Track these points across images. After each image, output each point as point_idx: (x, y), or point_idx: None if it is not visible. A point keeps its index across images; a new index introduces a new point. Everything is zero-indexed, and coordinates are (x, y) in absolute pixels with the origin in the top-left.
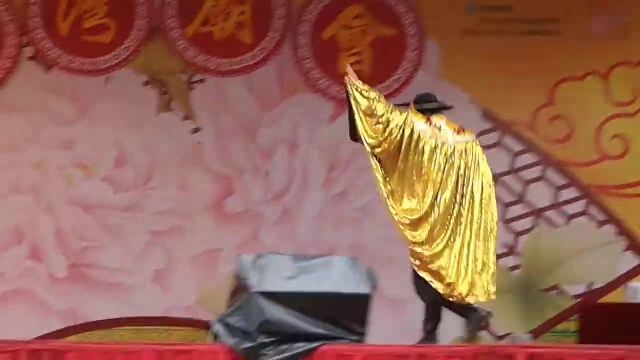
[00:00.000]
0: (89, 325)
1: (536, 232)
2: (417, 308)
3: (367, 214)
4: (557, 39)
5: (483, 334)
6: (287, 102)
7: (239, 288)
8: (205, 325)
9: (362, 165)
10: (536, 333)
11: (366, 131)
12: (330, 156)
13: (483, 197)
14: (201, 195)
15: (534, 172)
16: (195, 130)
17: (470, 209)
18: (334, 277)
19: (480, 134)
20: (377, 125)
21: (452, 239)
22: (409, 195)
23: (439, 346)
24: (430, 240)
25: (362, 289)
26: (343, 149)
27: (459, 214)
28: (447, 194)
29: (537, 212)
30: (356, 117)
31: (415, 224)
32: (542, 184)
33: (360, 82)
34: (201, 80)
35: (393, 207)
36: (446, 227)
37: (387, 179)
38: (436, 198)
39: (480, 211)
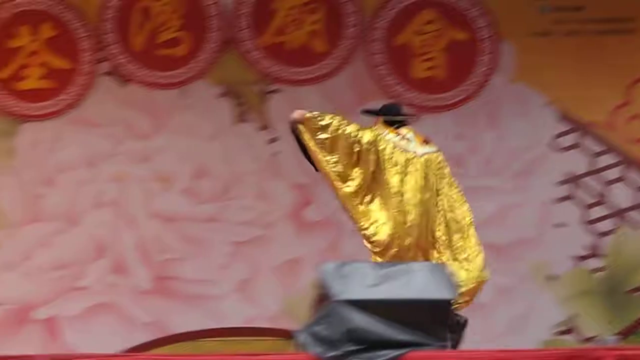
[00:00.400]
0: (175, 338)
1: (619, 233)
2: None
3: None
4: (633, 37)
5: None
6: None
7: (323, 297)
8: (290, 335)
9: None
10: (622, 335)
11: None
12: None
13: (454, 199)
14: (280, 205)
15: (615, 172)
16: (272, 140)
17: (444, 215)
18: (417, 284)
19: (559, 136)
20: (351, 148)
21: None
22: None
23: (527, 350)
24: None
25: (445, 294)
26: None
27: (435, 221)
28: (421, 205)
29: (619, 213)
30: (313, 152)
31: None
32: (623, 184)
33: (313, 113)
34: (276, 90)
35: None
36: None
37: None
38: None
39: (453, 212)
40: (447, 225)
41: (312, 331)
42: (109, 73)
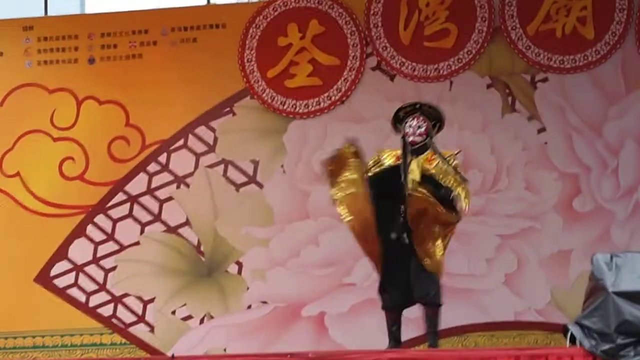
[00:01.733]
0: (443, 332)
1: None
2: None
3: None
4: None
5: None
6: (633, 96)
7: (595, 289)
8: (559, 328)
9: None
10: None
11: None
12: None
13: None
14: (550, 196)
15: None
16: (541, 130)
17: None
18: None
19: None
20: None
21: None
22: None
23: None
24: None
25: None
26: None
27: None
28: None
29: None
30: None
31: None
32: None
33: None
34: (544, 79)
35: None
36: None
37: None
38: None
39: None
40: None
41: (584, 324)
42: (376, 68)
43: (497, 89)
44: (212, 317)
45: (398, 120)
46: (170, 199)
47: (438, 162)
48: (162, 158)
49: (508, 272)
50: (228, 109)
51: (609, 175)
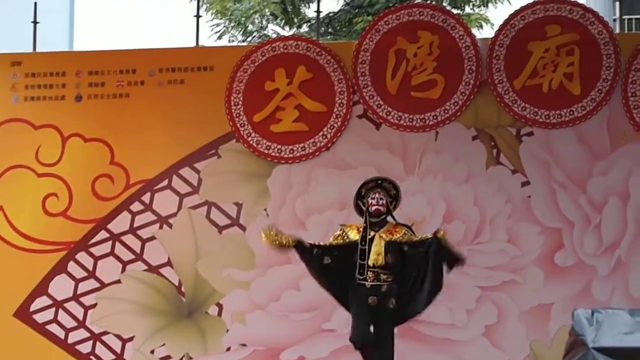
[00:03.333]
0: None
1: None
2: None
3: None
4: None
5: None
6: (617, 153)
7: (576, 344)
8: None
9: None
10: None
11: None
12: None
13: None
14: (532, 249)
15: None
16: (525, 184)
17: None
18: None
19: None
20: None
21: None
22: None
23: None
24: None
25: None
26: None
27: None
28: None
29: None
30: None
31: None
32: None
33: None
34: (530, 133)
35: None
36: None
37: None
38: None
39: None
40: None
41: None
42: (362, 115)
43: (483, 141)
44: (190, 358)
45: (360, 197)
46: (152, 238)
47: (404, 232)
48: (146, 197)
49: (488, 324)
50: (213, 151)
51: (591, 231)
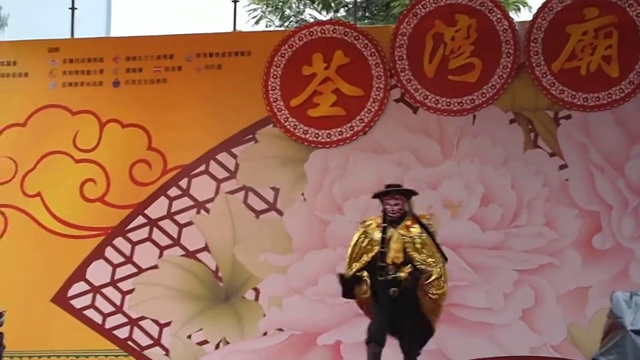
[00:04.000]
0: None
1: None
2: None
3: None
4: None
5: None
6: None
7: (614, 326)
8: None
9: None
10: None
11: None
12: None
13: None
14: (569, 232)
15: None
16: (563, 167)
17: None
18: None
19: None
20: None
21: None
22: None
23: None
24: None
25: None
26: None
27: None
28: None
29: None
30: None
31: None
32: None
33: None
34: (568, 116)
35: None
36: None
37: None
38: None
39: None
40: None
41: None
42: (399, 99)
43: (520, 125)
44: (227, 343)
45: (379, 195)
46: (190, 223)
47: (418, 231)
48: (183, 183)
49: (525, 307)
50: (250, 136)
51: (629, 214)
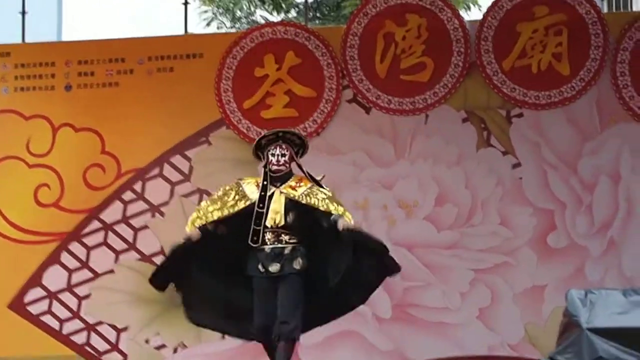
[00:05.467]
0: None
1: None
2: None
3: None
4: None
5: None
6: (607, 132)
7: (570, 325)
8: None
9: None
10: None
11: None
12: None
13: None
14: (524, 231)
15: None
16: (516, 165)
17: None
18: None
19: None
20: None
21: None
22: None
23: None
24: None
25: None
26: None
27: None
28: None
29: None
30: None
31: None
32: None
33: None
34: (520, 115)
35: None
36: None
37: None
38: None
39: None
40: None
41: None
42: (352, 100)
43: (473, 123)
44: (185, 347)
45: (260, 147)
46: (145, 227)
47: (309, 188)
48: (138, 186)
49: (482, 307)
50: (204, 138)
51: (583, 212)
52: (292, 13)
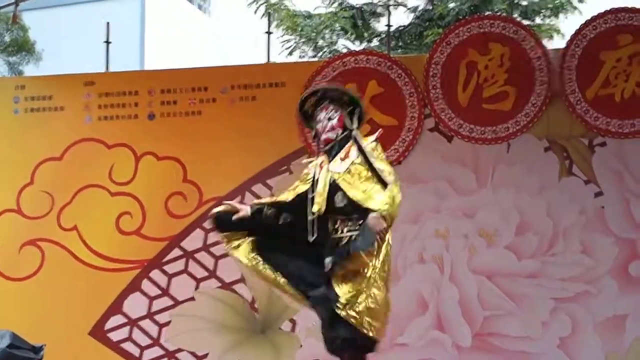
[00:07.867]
0: None
1: None
2: None
3: None
4: None
5: None
6: None
7: None
8: None
9: None
10: None
11: None
12: None
13: None
14: (606, 260)
15: None
16: (598, 194)
17: None
18: None
19: None
20: None
21: None
22: None
23: None
24: None
25: None
26: None
27: None
28: None
29: None
30: None
31: None
32: None
33: None
34: (603, 144)
35: None
36: None
37: None
38: None
39: None
40: None
41: None
42: (434, 129)
43: (555, 152)
44: None
45: (307, 117)
46: (225, 255)
47: (355, 164)
48: None
49: (562, 336)
50: (285, 167)
51: None
52: (375, 42)
